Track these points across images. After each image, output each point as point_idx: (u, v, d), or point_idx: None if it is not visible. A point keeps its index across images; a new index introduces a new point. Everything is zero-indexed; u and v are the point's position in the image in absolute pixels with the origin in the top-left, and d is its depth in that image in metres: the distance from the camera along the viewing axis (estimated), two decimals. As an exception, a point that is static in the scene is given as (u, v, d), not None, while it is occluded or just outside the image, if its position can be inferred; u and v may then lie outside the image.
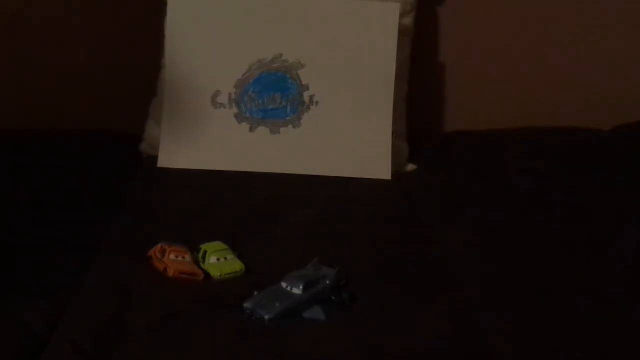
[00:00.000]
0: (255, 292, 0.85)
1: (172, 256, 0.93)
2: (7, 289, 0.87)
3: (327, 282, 0.87)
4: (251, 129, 1.26)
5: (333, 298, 0.86)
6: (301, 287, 0.85)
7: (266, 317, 0.82)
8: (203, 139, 1.26)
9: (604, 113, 1.47)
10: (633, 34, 1.48)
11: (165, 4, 1.28)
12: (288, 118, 1.26)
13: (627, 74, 1.49)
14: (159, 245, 0.94)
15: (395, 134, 1.26)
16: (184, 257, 0.94)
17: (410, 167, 1.30)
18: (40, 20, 1.40)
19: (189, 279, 0.91)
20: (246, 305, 0.83)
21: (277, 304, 0.83)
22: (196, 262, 0.94)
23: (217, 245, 0.96)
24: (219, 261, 0.94)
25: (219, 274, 0.92)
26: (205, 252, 0.94)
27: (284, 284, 0.86)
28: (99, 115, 1.39)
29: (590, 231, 1.06)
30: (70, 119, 1.38)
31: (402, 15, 1.28)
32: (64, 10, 1.40)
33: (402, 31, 1.28)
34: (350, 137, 1.26)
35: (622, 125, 1.45)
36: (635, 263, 0.97)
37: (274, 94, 1.26)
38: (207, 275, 0.93)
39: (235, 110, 1.26)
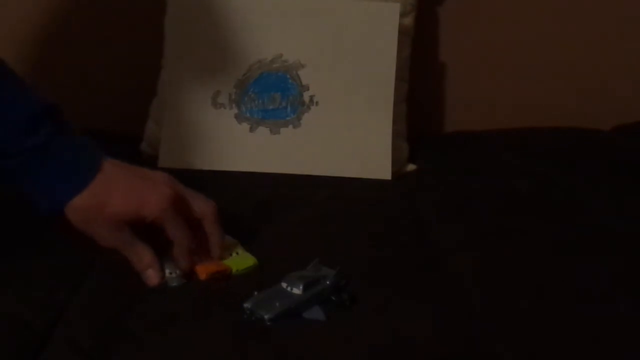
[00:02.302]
0: (255, 292, 0.85)
1: (197, 258, 0.92)
2: (7, 289, 0.86)
3: (327, 282, 0.87)
4: (251, 129, 1.26)
5: (333, 298, 0.86)
6: (301, 287, 0.85)
7: (266, 317, 0.82)
8: (203, 139, 1.26)
9: (604, 113, 1.47)
10: (633, 33, 1.48)
11: (165, 4, 1.28)
12: (288, 118, 1.26)
13: (627, 74, 1.49)
14: None
15: (395, 134, 1.26)
16: None
17: (410, 167, 1.30)
18: (40, 20, 1.40)
19: (221, 278, 0.91)
20: (246, 305, 0.83)
21: (277, 304, 0.83)
22: None
23: (227, 240, 0.95)
24: (232, 256, 0.93)
25: (234, 270, 0.92)
26: None
27: (284, 284, 0.86)
28: (99, 115, 1.40)
29: (590, 231, 1.06)
30: (70, 119, 1.37)
31: (402, 15, 1.28)
32: (63, 10, 1.40)
33: (402, 31, 1.28)
34: (350, 137, 1.26)
35: (622, 125, 1.45)
36: (636, 264, 0.97)
37: (274, 94, 1.26)
38: None
39: (235, 110, 1.26)
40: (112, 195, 0.88)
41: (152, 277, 0.90)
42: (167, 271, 0.90)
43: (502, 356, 0.80)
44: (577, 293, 0.91)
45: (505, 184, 1.22)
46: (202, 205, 0.93)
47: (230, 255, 0.93)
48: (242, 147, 1.25)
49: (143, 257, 0.90)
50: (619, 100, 1.49)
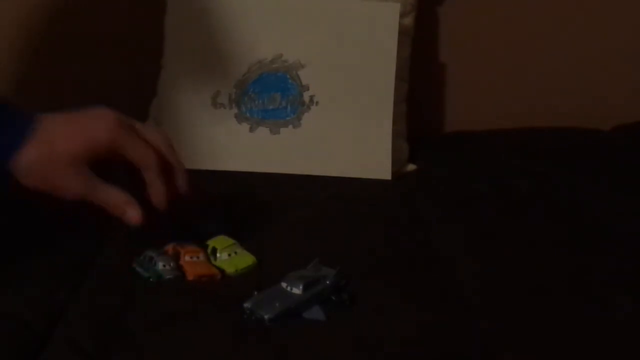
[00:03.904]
0: (255, 292, 0.85)
1: (187, 257, 0.92)
2: (7, 289, 0.86)
3: (327, 282, 0.87)
4: (251, 129, 1.26)
5: (333, 298, 0.86)
6: (301, 287, 0.85)
7: (266, 317, 0.82)
8: (203, 139, 1.26)
9: (604, 113, 1.47)
10: (633, 33, 1.48)
11: (165, 4, 1.28)
12: (288, 118, 1.26)
13: (627, 74, 1.49)
14: (171, 246, 0.93)
15: (395, 134, 1.26)
16: (198, 257, 0.92)
17: (410, 167, 1.30)
18: (39, 20, 1.40)
19: (208, 280, 0.90)
20: (246, 305, 0.83)
21: (277, 304, 0.83)
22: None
23: (224, 240, 0.95)
24: (230, 257, 0.93)
25: (234, 270, 0.92)
26: (214, 249, 0.93)
27: (283, 284, 0.86)
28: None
29: (590, 231, 1.06)
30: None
31: (402, 15, 1.28)
32: (63, 10, 1.40)
33: (402, 31, 1.28)
34: (350, 137, 1.26)
35: (622, 125, 1.45)
36: (636, 264, 0.97)
37: (274, 94, 1.26)
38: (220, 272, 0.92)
39: (235, 110, 1.26)
40: (57, 136, 0.84)
41: (133, 215, 0.85)
42: (160, 264, 0.90)
43: (502, 356, 0.80)
44: (577, 293, 0.91)
45: (505, 184, 1.22)
46: (153, 134, 0.88)
47: (229, 255, 0.93)
48: (242, 147, 1.25)
49: (116, 197, 0.85)
50: (619, 100, 1.49)
